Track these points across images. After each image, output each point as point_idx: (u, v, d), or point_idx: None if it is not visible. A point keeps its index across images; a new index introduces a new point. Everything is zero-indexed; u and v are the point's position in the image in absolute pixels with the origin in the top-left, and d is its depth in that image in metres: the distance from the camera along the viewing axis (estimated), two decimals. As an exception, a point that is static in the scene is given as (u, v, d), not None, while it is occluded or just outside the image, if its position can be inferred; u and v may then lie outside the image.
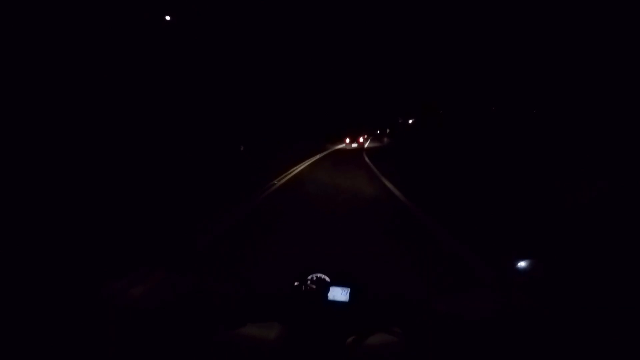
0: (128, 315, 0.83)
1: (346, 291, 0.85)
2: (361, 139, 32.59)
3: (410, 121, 36.31)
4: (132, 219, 4.18)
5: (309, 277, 0.88)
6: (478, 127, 16.57)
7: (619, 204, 4.12)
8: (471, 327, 0.80)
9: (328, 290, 0.85)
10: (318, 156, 17.64)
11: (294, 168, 11.79)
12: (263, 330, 0.83)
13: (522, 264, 0.90)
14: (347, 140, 33.05)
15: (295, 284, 0.88)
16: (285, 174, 10.06)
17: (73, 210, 4.04)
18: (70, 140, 7.63)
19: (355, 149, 27.27)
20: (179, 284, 0.92)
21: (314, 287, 0.86)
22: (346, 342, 0.78)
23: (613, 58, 9.36)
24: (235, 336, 0.82)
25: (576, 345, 0.76)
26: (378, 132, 48.47)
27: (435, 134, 20.61)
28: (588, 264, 2.30)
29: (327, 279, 0.87)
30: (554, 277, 0.86)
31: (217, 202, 6.01)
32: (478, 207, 4.95)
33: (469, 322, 0.81)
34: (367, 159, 15.25)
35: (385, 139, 35.88)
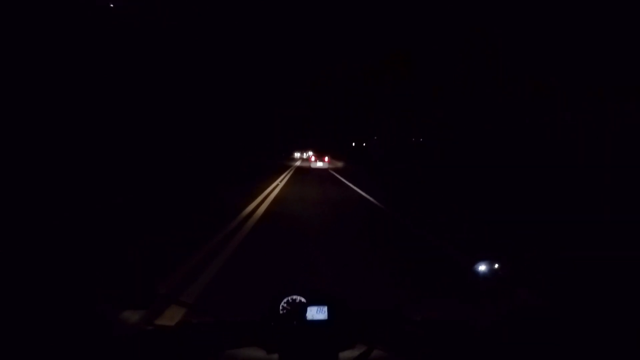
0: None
1: (324, 309, 0.84)
2: (326, 158, 27.74)
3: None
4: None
5: (284, 300, 0.87)
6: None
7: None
8: (445, 332, 0.84)
9: (305, 311, 0.84)
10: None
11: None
12: (247, 355, 0.80)
13: (481, 267, 0.93)
14: (313, 158, 29.10)
15: (270, 308, 0.86)
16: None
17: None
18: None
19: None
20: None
21: (290, 308, 0.86)
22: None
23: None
24: None
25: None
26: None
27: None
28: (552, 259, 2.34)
29: (303, 299, 0.87)
30: (520, 276, 0.90)
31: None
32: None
33: (443, 327, 0.85)
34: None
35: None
